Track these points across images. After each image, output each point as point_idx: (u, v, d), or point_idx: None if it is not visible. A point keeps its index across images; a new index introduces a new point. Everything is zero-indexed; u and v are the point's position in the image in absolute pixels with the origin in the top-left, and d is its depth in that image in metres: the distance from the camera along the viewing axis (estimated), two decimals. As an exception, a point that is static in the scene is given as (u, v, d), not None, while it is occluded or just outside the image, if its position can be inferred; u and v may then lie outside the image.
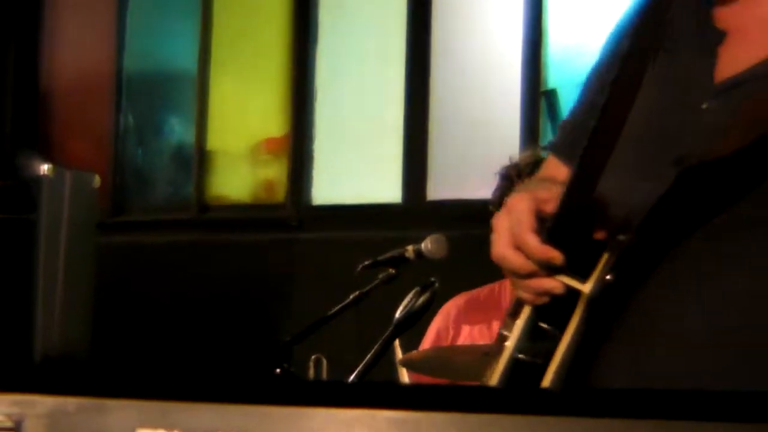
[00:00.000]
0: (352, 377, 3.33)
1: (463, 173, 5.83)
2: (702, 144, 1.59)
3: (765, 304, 1.56)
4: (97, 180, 4.36)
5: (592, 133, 1.50)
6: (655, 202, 1.59)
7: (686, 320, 1.59)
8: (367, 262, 3.67)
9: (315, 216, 6.24)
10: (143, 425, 1.00)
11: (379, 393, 0.98)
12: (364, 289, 3.62)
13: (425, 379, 3.49)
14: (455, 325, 3.76)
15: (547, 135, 5.61)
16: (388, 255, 3.65)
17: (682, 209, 1.60)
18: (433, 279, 3.40)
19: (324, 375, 3.85)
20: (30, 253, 4.16)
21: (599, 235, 1.57)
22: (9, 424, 1.03)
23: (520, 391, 1.17)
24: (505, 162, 3.67)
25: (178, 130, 6.92)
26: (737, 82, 1.61)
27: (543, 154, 3.34)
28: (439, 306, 3.73)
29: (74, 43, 7.09)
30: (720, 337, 1.58)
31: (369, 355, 3.34)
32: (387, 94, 6.14)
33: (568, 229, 1.55)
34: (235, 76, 6.70)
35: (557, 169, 1.79)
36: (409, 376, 3.53)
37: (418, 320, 3.40)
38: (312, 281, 5.80)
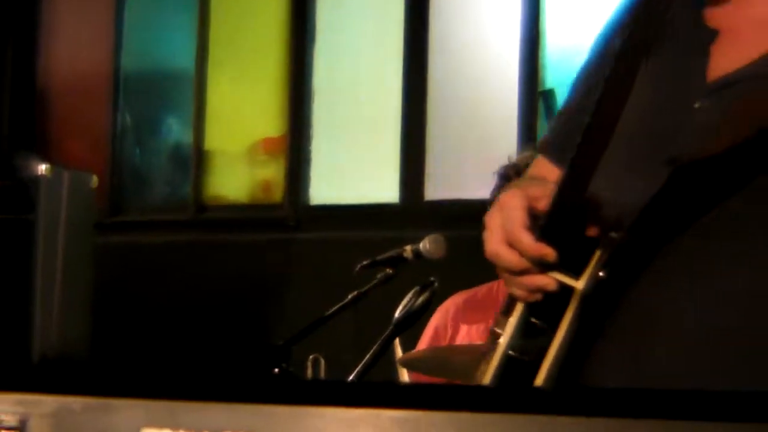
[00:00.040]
0: (351, 377, 3.33)
1: (461, 173, 5.83)
2: (694, 143, 1.59)
3: (759, 302, 1.56)
4: (94, 180, 4.36)
5: (585, 129, 1.50)
6: (648, 200, 1.60)
7: (681, 318, 1.59)
8: (365, 262, 3.67)
9: (312, 216, 6.23)
10: (149, 425, 1.00)
11: (384, 392, 0.98)
12: (363, 289, 3.62)
13: (423, 379, 3.49)
14: (453, 324, 3.76)
15: (545, 135, 5.60)
16: (386, 255, 3.65)
17: (674, 207, 1.60)
18: (432, 279, 3.40)
19: (322, 375, 3.85)
20: (27, 253, 4.15)
21: (592, 232, 1.57)
22: (14, 423, 1.03)
23: (520, 391, 1.17)
24: (503, 162, 3.67)
25: (176, 129, 6.91)
26: (730, 82, 1.61)
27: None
28: (438, 305, 3.73)
29: (71, 42, 7.08)
30: (715, 336, 1.58)
31: (368, 355, 3.34)
32: (384, 93, 6.14)
33: (561, 226, 1.55)
34: (233, 76, 6.69)
35: (547, 169, 1.79)
36: (409, 376, 3.54)
37: (417, 320, 3.41)
38: (309, 281, 5.80)
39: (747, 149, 1.55)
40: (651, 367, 1.60)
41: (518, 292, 1.59)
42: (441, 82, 6.02)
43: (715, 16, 1.68)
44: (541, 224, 1.56)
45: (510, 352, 1.61)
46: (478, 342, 3.56)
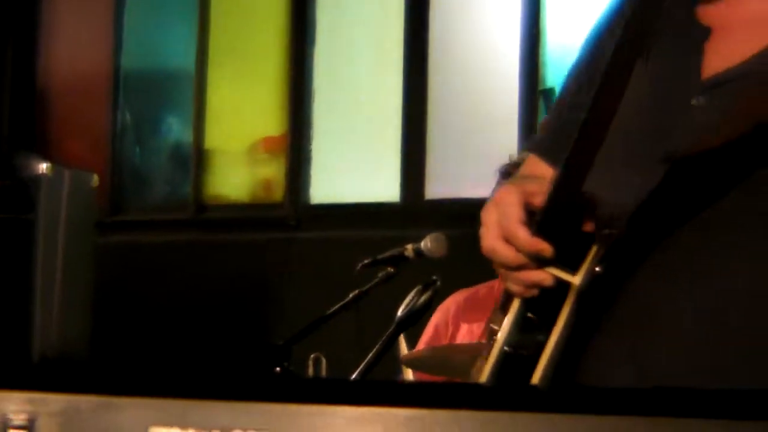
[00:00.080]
0: (355, 375, 3.33)
1: (462, 172, 5.83)
2: (692, 140, 1.60)
3: (758, 298, 1.57)
4: (95, 179, 4.36)
5: (581, 124, 1.50)
6: (645, 195, 1.60)
7: (679, 315, 1.59)
8: (366, 261, 3.67)
9: (313, 215, 6.23)
10: (157, 423, 1.00)
11: (394, 391, 0.98)
12: (364, 288, 3.62)
13: (426, 378, 3.49)
14: (454, 322, 3.76)
15: (546, 133, 5.59)
16: (387, 254, 3.65)
17: (671, 202, 1.60)
18: (434, 277, 3.40)
19: (323, 374, 3.85)
20: (27, 252, 4.15)
21: (588, 227, 1.57)
22: (23, 422, 1.03)
23: (523, 389, 1.17)
24: (504, 160, 3.67)
25: (176, 129, 6.91)
26: (725, 79, 1.62)
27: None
28: (438, 303, 3.73)
29: (72, 41, 7.08)
30: (714, 332, 1.58)
31: (371, 354, 3.34)
32: (385, 92, 6.14)
33: (557, 221, 1.55)
34: (233, 75, 6.69)
35: (539, 168, 1.79)
36: (413, 374, 3.54)
37: (420, 318, 3.41)
38: (310, 281, 5.79)
39: (743, 146, 1.55)
40: (649, 363, 1.60)
41: (515, 287, 1.59)
42: (441, 81, 6.02)
43: (708, 15, 1.69)
44: (538, 220, 1.56)
45: (507, 348, 1.61)
46: (479, 340, 3.57)
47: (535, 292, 1.58)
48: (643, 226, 1.60)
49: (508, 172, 3.54)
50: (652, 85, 1.66)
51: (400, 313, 3.37)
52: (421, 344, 3.72)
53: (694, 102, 1.62)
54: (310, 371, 3.85)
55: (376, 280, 3.65)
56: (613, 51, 1.51)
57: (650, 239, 1.60)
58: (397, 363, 3.60)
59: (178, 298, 6.20)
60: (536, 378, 1.56)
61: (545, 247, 1.53)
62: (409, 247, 3.63)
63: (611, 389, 1.01)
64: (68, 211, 4.20)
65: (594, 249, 1.56)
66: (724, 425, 0.95)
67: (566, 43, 5.67)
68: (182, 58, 6.79)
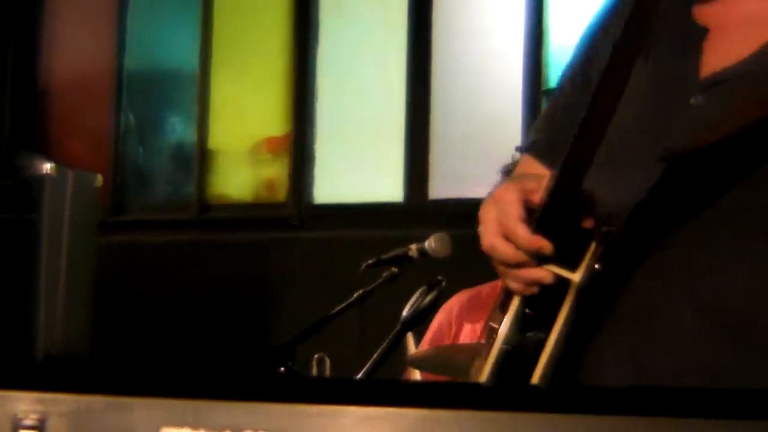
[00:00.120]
0: (360, 375, 3.33)
1: (465, 172, 5.83)
2: (690, 138, 1.60)
3: (757, 297, 1.56)
4: (99, 179, 4.36)
5: (581, 122, 1.51)
6: (645, 193, 1.60)
7: (678, 313, 1.59)
8: (370, 261, 3.67)
9: (316, 215, 6.23)
10: (168, 424, 1.00)
11: (409, 392, 0.98)
12: (368, 288, 3.61)
13: (431, 377, 3.49)
14: (457, 322, 3.76)
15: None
16: (391, 254, 3.65)
17: (670, 200, 1.60)
18: (440, 277, 3.40)
19: (327, 374, 3.85)
20: (30, 252, 4.15)
21: (587, 224, 1.58)
22: (33, 422, 1.02)
23: (524, 389, 1.17)
24: (507, 160, 3.66)
25: (179, 129, 6.91)
26: (723, 79, 1.62)
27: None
28: (443, 303, 3.73)
29: (74, 41, 7.08)
30: (713, 331, 1.58)
31: (377, 353, 3.34)
32: (388, 92, 6.14)
33: (556, 218, 1.55)
34: (236, 75, 6.69)
35: (534, 168, 1.79)
36: (421, 375, 3.54)
37: (425, 318, 3.41)
38: (313, 281, 5.79)
39: (741, 143, 1.55)
40: (648, 361, 1.60)
41: (514, 285, 1.60)
42: (445, 80, 6.02)
43: (704, 14, 1.70)
44: (537, 217, 1.56)
45: (507, 346, 1.61)
46: (479, 340, 3.57)
47: (535, 289, 1.58)
48: (642, 224, 1.60)
49: (511, 172, 3.53)
50: (650, 84, 1.66)
51: (405, 313, 3.37)
52: (425, 344, 3.72)
53: (692, 101, 1.62)
54: (314, 371, 3.85)
55: (380, 280, 3.64)
56: (612, 49, 1.51)
57: (649, 237, 1.60)
58: (399, 364, 3.60)
59: (181, 298, 6.20)
60: (536, 376, 1.56)
61: (545, 245, 1.54)
62: (413, 247, 3.62)
63: (612, 389, 1.02)
64: (72, 211, 4.21)
65: (593, 246, 1.56)
66: (724, 425, 0.95)
67: (569, 43, 5.64)
68: (185, 58, 6.79)
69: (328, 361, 3.81)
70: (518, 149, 1.95)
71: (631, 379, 1.59)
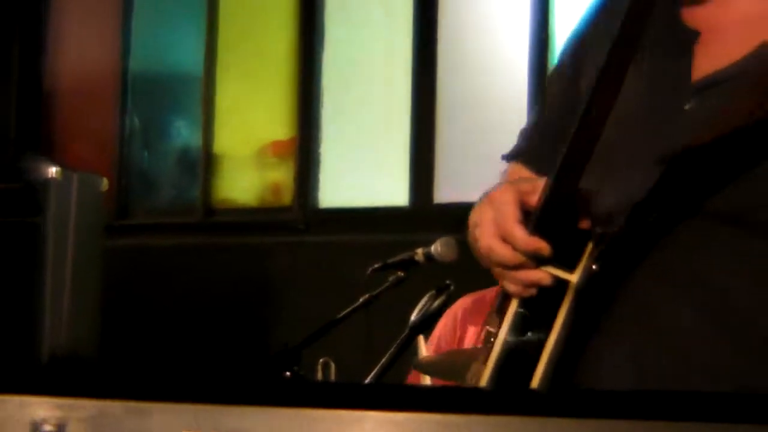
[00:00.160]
0: (368, 380, 3.33)
1: (471, 176, 5.82)
2: (686, 140, 1.59)
3: (757, 299, 1.56)
4: (104, 183, 4.36)
5: (578, 122, 1.50)
6: (642, 193, 1.59)
7: (678, 314, 1.59)
8: (377, 265, 3.67)
9: (322, 219, 6.23)
10: (187, 429, 0.99)
11: (417, 396, 0.97)
12: (374, 292, 3.61)
13: (440, 383, 3.49)
14: (462, 326, 3.75)
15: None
16: (398, 258, 3.65)
17: (670, 200, 1.60)
18: (448, 282, 3.40)
19: (332, 378, 3.85)
20: (36, 256, 4.15)
21: (585, 225, 1.57)
22: (53, 427, 1.02)
23: (529, 393, 1.16)
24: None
25: (184, 133, 6.91)
26: (715, 81, 1.62)
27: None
28: (449, 307, 3.73)
29: (79, 44, 7.09)
30: (713, 333, 1.57)
31: (385, 358, 3.34)
32: (393, 96, 6.14)
33: (553, 219, 1.55)
34: (242, 79, 6.69)
35: (524, 174, 1.80)
36: (431, 380, 3.54)
37: (434, 322, 3.41)
38: (319, 285, 5.79)
39: (737, 143, 1.55)
40: (648, 362, 1.59)
41: (512, 287, 1.59)
42: (450, 84, 6.02)
43: (695, 17, 1.70)
44: (535, 218, 1.56)
45: (506, 348, 1.60)
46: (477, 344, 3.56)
47: (533, 291, 1.57)
48: (641, 224, 1.59)
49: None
50: (646, 85, 1.66)
51: (414, 317, 3.37)
52: (429, 349, 3.72)
53: (687, 106, 1.62)
54: (320, 376, 3.85)
55: (386, 284, 3.64)
56: (610, 47, 1.50)
57: (648, 238, 1.60)
58: (404, 368, 3.59)
59: (186, 302, 6.20)
60: (536, 378, 1.56)
61: (543, 246, 1.53)
62: (420, 251, 3.62)
63: (622, 393, 1.02)
64: (77, 214, 4.21)
65: (590, 247, 1.56)
66: (724, 429, 0.95)
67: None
68: (191, 61, 6.79)
69: (333, 365, 3.81)
70: (504, 157, 1.95)
71: (630, 380, 1.59)
